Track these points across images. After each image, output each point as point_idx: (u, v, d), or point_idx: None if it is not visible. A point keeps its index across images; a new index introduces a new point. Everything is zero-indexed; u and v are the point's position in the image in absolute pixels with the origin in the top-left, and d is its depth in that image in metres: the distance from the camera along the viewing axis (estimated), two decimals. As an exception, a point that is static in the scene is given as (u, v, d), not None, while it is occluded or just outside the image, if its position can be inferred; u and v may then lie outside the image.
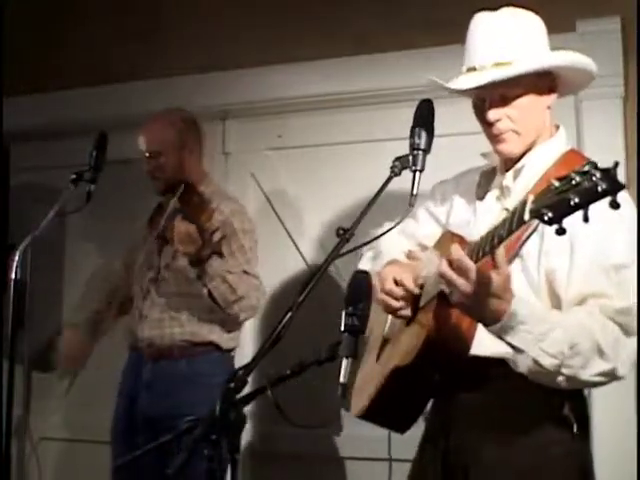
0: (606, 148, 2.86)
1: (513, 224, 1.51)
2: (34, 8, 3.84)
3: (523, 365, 1.72)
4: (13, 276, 2.39)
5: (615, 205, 1.30)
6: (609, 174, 1.31)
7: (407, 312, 1.99)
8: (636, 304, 1.75)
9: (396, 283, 1.98)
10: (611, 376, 1.74)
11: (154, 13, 3.70)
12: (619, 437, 2.68)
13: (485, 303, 1.63)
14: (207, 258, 2.72)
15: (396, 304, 1.98)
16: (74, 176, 2.60)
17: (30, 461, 3.31)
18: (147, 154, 2.95)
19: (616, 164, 1.32)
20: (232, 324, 2.95)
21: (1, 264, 2.65)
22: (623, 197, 1.80)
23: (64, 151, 3.64)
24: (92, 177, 2.60)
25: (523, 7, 1.96)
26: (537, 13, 1.96)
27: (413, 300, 1.98)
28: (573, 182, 1.33)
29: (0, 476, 2.37)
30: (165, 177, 2.97)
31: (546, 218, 1.35)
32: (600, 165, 1.32)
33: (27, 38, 3.82)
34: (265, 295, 2.97)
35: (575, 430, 1.84)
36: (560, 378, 1.71)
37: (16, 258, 2.40)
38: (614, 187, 1.30)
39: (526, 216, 1.44)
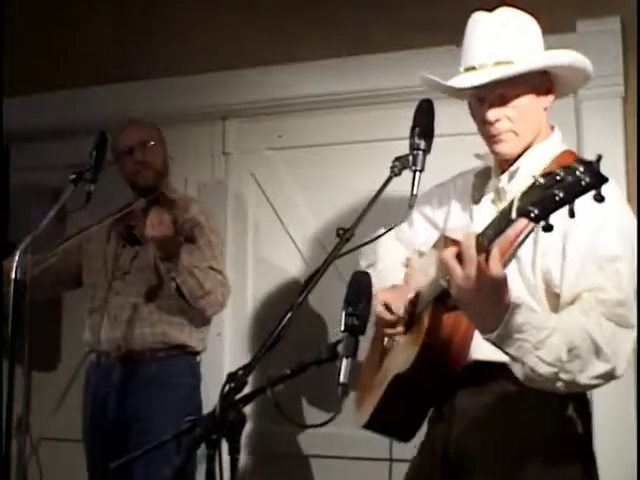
0: (606, 148, 2.84)
1: (501, 224, 1.49)
2: (34, 8, 3.84)
3: (520, 373, 1.68)
4: (13, 276, 2.38)
5: (600, 198, 1.29)
6: (592, 167, 1.30)
7: (400, 331, 2.01)
8: (632, 295, 1.74)
9: (386, 307, 2.01)
10: (610, 377, 1.72)
11: (154, 13, 3.69)
12: (619, 437, 2.68)
13: (481, 301, 1.57)
14: (178, 249, 2.74)
15: (388, 325, 2.02)
16: (74, 176, 2.59)
17: (30, 461, 3.31)
18: (134, 145, 2.97)
19: (599, 157, 1.31)
20: (200, 320, 2.98)
21: (1, 264, 2.66)
22: (612, 195, 1.80)
23: (64, 151, 3.63)
24: (92, 177, 2.59)
25: (523, 8, 1.96)
26: (537, 13, 1.96)
27: (410, 307, 1.99)
28: (557, 177, 1.32)
29: (0, 476, 2.37)
30: (157, 165, 3.02)
31: (532, 215, 1.34)
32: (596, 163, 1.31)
33: (27, 38, 3.82)
34: (230, 291, 2.99)
35: (580, 431, 1.83)
36: (558, 384, 1.67)
37: (16, 258, 2.39)
38: (598, 180, 1.29)
39: (513, 214, 1.42)
